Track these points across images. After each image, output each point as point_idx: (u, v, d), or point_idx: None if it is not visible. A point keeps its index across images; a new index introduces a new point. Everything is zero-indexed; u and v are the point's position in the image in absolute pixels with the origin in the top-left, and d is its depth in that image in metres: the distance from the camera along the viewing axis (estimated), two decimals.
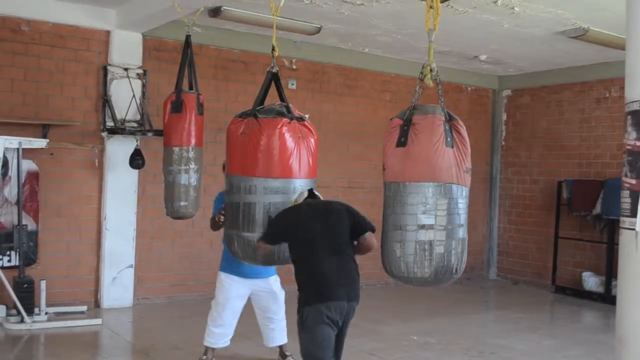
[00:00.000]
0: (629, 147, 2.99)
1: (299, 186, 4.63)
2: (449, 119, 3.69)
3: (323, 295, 4.22)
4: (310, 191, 4.59)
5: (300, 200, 4.53)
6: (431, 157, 3.56)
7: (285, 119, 4.64)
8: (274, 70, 4.96)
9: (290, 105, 4.81)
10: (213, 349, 5.74)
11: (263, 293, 5.72)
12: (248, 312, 5.88)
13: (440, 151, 3.56)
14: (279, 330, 5.86)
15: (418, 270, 3.58)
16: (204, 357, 5.73)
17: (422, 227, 3.55)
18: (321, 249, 4.31)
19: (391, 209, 3.67)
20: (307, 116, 4.89)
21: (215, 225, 5.48)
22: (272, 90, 4.97)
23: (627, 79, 3.05)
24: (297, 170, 4.65)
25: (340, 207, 4.57)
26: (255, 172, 4.58)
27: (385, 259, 3.73)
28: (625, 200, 2.98)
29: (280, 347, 5.96)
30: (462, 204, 3.64)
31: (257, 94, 4.83)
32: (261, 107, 4.76)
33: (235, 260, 5.46)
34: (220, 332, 5.69)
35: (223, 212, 5.00)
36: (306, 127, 4.79)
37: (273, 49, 4.99)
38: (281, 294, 5.81)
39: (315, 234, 4.34)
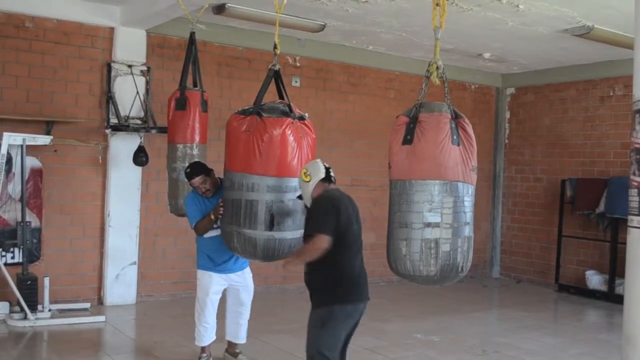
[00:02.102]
0: (637, 146, 2.97)
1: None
2: (455, 117, 3.68)
3: (355, 296, 4.25)
4: (327, 169, 4.44)
5: (315, 176, 4.34)
6: (437, 155, 3.55)
7: (289, 119, 4.66)
8: (275, 68, 4.97)
9: (291, 104, 4.82)
10: (208, 346, 5.72)
11: (238, 286, 5.73)
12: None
13: (447, 149, 3.56)
14: (244, 327, 5.87)
15: (424, 269, 3.57)
16: (203, 355, 5.71)
17: (428, 225, 3.54)
18: (356, 247, 4.31)
19: (397, 206, 3.66)
20: (306, 115, 4.90)
21: (208, 225, 5.38)
22: (271, 87, 4.98)
23: (635, 77, 3.03)
24: (299, 169, 4.68)
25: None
26: (259, 170, 4.60)
27: (391, 257, 3.72)
28: (634, 198, 2.97)
29: (231, 343, 5.92)
30: (468, 202, 3.63)
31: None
32: (263, 105, 4.77)
33: (211, 257, 5.52)
34: (206, 328, 5.67)
35: (222, 205, 4.98)
36: (306, 126, 4.81)
37: (275, 47, 4.99)
38: (252, 288, 5.83)
39: (355, 231, 4.31)
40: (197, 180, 5.47)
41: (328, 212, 4.17)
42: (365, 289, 4.34)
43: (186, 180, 5.63)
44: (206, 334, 5.67)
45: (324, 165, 4.44)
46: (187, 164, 6.11)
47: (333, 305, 4.18)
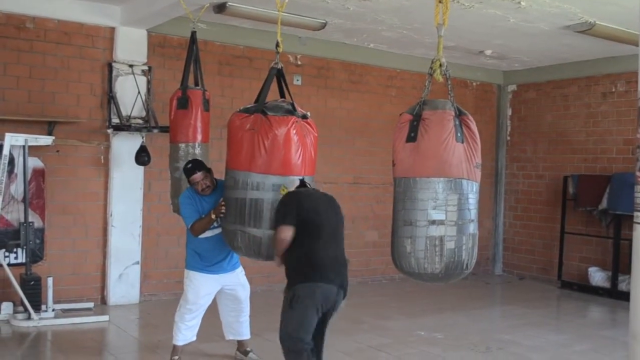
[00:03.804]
0: None
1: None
2: (459, 114, 3.68)
3: (318, 276, 4.33)
4: (302, 181, 4.68)
5: (292, 185, 4.64)
6: (441, 152, 3.55)
7: (294, 117, 4.65)
8: (278, 67, 4.95)
9: (294, 102, 4.81)
10: (182, 346, 5.65)
11: (233, 286, 5.67)
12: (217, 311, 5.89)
13: (451, 146, 3.56)
14: (247, 322, 5.84)
15: (429, 266, 3.57)
16: (175, 357, 5.62)
17: (433, 222, 3.54)
18: (326, 235, 4.43)
19: (401, 204, 3.66)
20: (309, 114, 4.90)
21: (207, 225, 5.30)
22: (272, 85, 4.98)
23: None
24: (303, 167, 4.68)
25: (336, 202, 4.71)
26: (263, 169, 4.58)
27: (396, 255, 3.72)
28: (639, 195, 2.96)
29: (241, 342, 5.91)
30: (472, 199, 3.63)
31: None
32: (265, 103, 4.76)
33: (204, 257, 5.46)
34: (190, 329, 5.60)
35: (224, 204, 4.95)
36: (309, 125, 4.81)
37: (277, 45, 4.98)
38: (248, 285, 5.79)
39: (324, 220, 4.46)
40: (198, 175, 5.38)
41: (286, 204, 4.45)
42: (333, 275, 4.40)
43: (185, 177, 5.53)
44: (187, 334, 5.60)
45: (300, 179, 4.71)
46: None
47: (296, 285, 4.35)
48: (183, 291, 5.66)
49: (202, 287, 5.52)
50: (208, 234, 5.39)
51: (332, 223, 4.52)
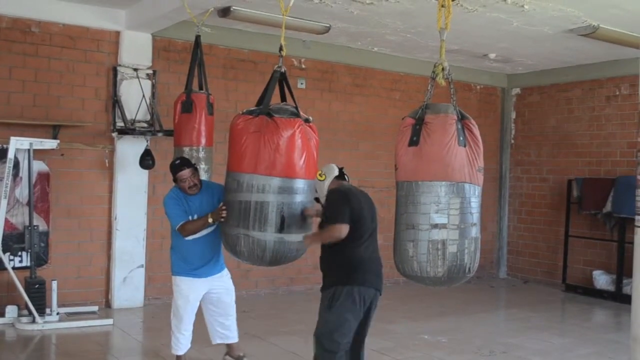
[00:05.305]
0: None
1: (308, 187, 4.65)
2: (461, 118, 3.69)
3: (360, 279, 4.48)
4: (341, 171, 4.79)
5: (330, 175, 4.74)
6: (444, 156, 3.56)
7: (300, 120, 4.65)
8: (281, 70, 4.95)
9: (297, 106, 4.83)
10: (184, 355, 5.54)
11: (219, 290, 5.57)
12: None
13: (453, 150, 3.57)
14: (233, 326, 5.72)
15: (431, 270, 3.58)
16: None
17: (435, 226, 3.55)
18: (367, 236, 4.56)
19: (404, 208, 3.67)
20: (311, 118, 4.91)
21: (201, 228, 5.21)
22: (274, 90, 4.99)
23: None
24: (307, 170, 4.68)
25: (372, 200, 4.89)
26: (269, 171, 4.56)
27: (398, 259, 3.72)
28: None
29: (231, 346, 5.78)
30: (474, 203, 3.64)
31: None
32: (270, 106, 4.76)
33: (190, 261, 5.36)
34: (185, 336, 5.50)
35: (224, 208, 4.82)
36: (311, 129, 4.81)
37: (281, 49, 4.98)
38: (233, 288, 5.70)
39: (367, 221, 4.58)
40: (187, 172, 5.28)
41: (342, 202, 4.48)
42: (373, 277, 4.57)
43: (172, 173, 5.38)
44: (185, 342, 5.50)
45: (338, 167, 4.80)
46: None
47: (337, 286, 4.47)
48: (173, 299, 5.54)
49: (190, 293, 5.42)
50: (196, 235, 5.29)
51: (372, 224, 4.66)
